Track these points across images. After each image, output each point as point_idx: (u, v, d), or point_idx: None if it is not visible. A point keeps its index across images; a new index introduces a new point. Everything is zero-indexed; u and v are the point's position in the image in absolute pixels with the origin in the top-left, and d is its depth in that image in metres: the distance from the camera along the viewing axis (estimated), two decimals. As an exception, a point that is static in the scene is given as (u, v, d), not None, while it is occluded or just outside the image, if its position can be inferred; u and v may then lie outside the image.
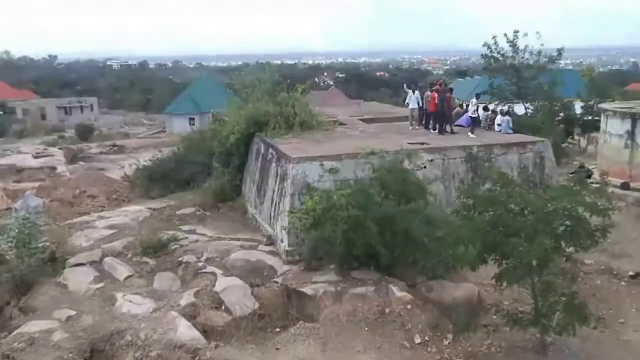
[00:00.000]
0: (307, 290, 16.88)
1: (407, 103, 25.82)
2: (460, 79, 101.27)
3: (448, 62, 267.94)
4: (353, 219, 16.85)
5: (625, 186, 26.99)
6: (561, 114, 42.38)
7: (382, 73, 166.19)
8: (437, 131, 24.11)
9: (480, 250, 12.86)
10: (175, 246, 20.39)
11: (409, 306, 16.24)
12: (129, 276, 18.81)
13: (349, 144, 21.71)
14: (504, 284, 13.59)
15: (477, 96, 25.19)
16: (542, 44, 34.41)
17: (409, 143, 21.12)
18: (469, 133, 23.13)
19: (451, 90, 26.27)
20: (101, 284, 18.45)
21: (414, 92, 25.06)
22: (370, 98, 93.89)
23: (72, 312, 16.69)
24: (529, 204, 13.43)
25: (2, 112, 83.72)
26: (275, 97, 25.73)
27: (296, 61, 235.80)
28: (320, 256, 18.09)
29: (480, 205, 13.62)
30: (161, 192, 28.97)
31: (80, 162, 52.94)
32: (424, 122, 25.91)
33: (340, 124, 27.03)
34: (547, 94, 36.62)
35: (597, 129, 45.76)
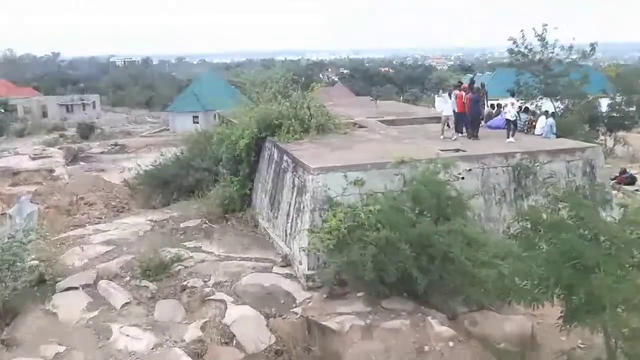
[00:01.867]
0: (332, 323, 14.58)
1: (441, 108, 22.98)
2: (469, 75, 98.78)
3: (452, 57, 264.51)
4: (384, 240, 14.56)
5: (675, 194, 24.68)
6: (587, 113, 39.98)
7: (386, 69, 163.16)
8: (466, 135, 21.71)
9: (552, 286, 10.57)
10: (179, 267, 18.13)
11: (450, 343, 13.98)
12: (127, 303, 16.56)
13: (373, 150, 19.39)
14: (574, 324, 11.32)
15: (513, 94, 22.76)
16: (574, 38, 32.17)
17: (441, 150, 18.78)
18: (509, 138, 20.67)
19: (483, 87, 23.85)
20: (95, 313, 16.22)
21: (450, 95, 22.09)
22: (377, 95, 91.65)
23: (61, 348, 14.68)
24: (605, 231, 11.11)
25: (3, 111, 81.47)
26: (288, 97, 23.41)
27: (299, 57, 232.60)
28: (345, 281, 15.82)
29: (546, 230, 11.29)
30: (163, 200, 26.72)
31: (81, 163, 50.96)
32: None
33: (360, 126, 24.66)
34: (579, 92, 34.26)
35: (625, 127, 43.66)
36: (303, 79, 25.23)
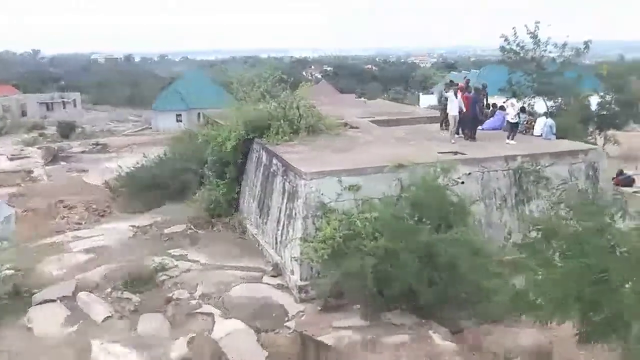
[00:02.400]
0: (328, 339, 13.69)
1: (444, 108, 21.74)
2: (455, 73, 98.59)
3: (435, 54, 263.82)
4: (383, 250, 13.70)
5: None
6: (578, 112, 39.30)
7: (370, 66, 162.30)
8: (463, 136, 20.80)
9: (574, 303, 9.76)
10: (164, 277, 17.14)
11: (456, 359, 13.11)
12: (108, 317, 15.52)
13: (368, 153, 18.51)
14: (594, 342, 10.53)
15: (514, 94, 21.92)
16: (568, 36, 31.45)
17: (439, 152, 17.91)
18: (508, 139, 19.86)
19: (485, 87, 22.90)
20: (74, 328, 15.20)
21: (456, 94, 20.64)
22: (361, 92, 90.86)
23: (37, 368, 13.58)
24: (625, 242, 10.30)
25: (-20, 109, 79.81)
26: (276, 97, 22.43)
27: (283, 55, 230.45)
28: (340, 292, 14.92)
29: (563, 242, 10.45)
30: (146, 204, 25.59)
31: (61, 162, 49.46)
32: (442, 124, 22.79)
33: (351, 127, 23.74)
34: (573, 91, 33.53)
35: (615, 126, 43.10)
36: (292, 78, 24.20)
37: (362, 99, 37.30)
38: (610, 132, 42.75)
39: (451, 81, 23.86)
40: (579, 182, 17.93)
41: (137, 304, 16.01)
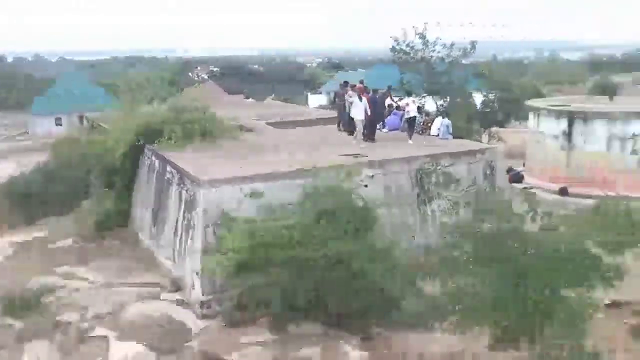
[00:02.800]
0: (234, 357, 12.97)
1: (341, 109, 21.32)
2: (342, 72, 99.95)
3: (320, 54, 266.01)
4: (289, 260, 13.12)
5: (563, 192, 25.05)
6: (465, 110, 40.59)
7: (256, 66, 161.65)
8: (363, 138, 20.51)
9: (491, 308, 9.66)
10: (50, 299, 15.72)
11: (367, 368, 12.79)
12: (-14, 348, 13.99)
13: (268, 157, 17.92)
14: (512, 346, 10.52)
15: (409, 93, 22.11)
16: (453, 36, 32.30)
17: (341, 155, 17.56)
18: (411, 140, 19.81)
19: (390, 88, 22.93)
20: (-54, 362, 13.57)
21: (360, 98, 19.90)
22: (248, 93, 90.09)
23: None
24: (538, 244, 10.36)
25: None
26: (166, 99, 21.36)
27: (166, 55, 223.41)
28: (245, 305, 14.19)
29: (479, 247, 10.35)
30: (27, 217, 23.59)
31: None
32: (340, 125, 22.60)
33: (246, 129, 22.98)
34: (460, 90, 34.45)
35: (497, 123, 45.05)
36: (182, 79, 23.13)
37: (246, 97, 36.53)
38: (494, 129, 44.59)
39: (345, 82, 23.61)
40: (477, 181, 18.18)
41: (20, 332, 14.56)
